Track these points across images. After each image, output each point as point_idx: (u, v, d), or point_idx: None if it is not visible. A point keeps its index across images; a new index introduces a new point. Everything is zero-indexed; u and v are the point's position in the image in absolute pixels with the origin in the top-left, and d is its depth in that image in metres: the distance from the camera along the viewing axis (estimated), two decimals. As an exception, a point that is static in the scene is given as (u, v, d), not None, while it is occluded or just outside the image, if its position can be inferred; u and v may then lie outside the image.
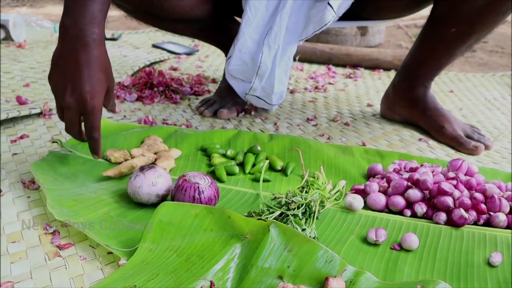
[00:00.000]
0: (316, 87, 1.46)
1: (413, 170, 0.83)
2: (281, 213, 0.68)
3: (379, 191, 0.79)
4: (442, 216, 0.72)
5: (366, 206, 0.77)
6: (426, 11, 1.09)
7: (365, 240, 0.68)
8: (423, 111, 1.10)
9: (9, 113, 1.06)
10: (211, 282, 0.55)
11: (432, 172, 0.80)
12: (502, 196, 0.74)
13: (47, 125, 1.08)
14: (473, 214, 0.72)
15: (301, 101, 1.34)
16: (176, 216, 0.65)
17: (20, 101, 1.18)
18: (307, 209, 0.69)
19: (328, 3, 0.95)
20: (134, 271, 0.58)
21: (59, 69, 0.73)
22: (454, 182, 0.75)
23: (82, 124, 0.78)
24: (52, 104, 1.16)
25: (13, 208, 0.75)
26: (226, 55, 1.24)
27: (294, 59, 1.73)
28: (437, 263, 0.64)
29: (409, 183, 0.77)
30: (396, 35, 2.41)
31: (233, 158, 0.90)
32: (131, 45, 1.89)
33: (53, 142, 0.90)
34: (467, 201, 0.72)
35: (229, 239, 0.61)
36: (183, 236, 0.63)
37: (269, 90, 1.09)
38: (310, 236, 0.65)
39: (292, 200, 0.69)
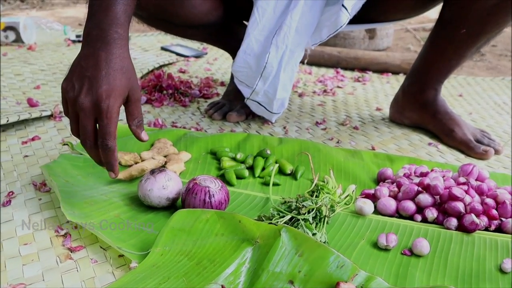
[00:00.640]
0: (325, 91, 1.46)
1: (423, 175, 0.82)
2: (292, 218, 0.68)
3: (389, 195, 0.78)
4: (453, 222, 0.72)
5: (376, 211, 0.77)
6: (434, 14, 1.08)
7: (375, 245, 0.68)
8: (433, 114, 1.10)
9: (20, 115, 1.07)
10: (222, 286, 0.55)
11: (443, 177, 0.80)
12: (514, 202, 0.73)
13: (58, 127, 1.09)
14: (484, 220, 0.71)
15: (310, 104, 1.34)
16: (187, 222, 0.65)
17: (31, 103, 1.19)
18: (318, 213, 0.69)
19: (343, 5, 0.94)
20: (145, 274, 0.58)
21: (77, 71, 0.68)
22: (465, 187, 0.75)
23: None
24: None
25: (24, 210, 0.76)
26: (233, 58, 1.25)
27: (302, 63, 1.73)
28: (448, 269, 0.63)
29: (420, 188, 0.77)
30: (404, 39, 2.41)
31: (242, 162, 0.90)
32: (140, 47, 1.90)
33: (64, 144, 0.91)
34: (478, 207, 0.72)
35: (240, 243, 0.61)
36: (194, 241, 0.63)
37: (271, 95, 1.07)
38: (320, 241, 0.65)
39: (303, 205, 0.69)
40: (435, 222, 0.73)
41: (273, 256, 0.58)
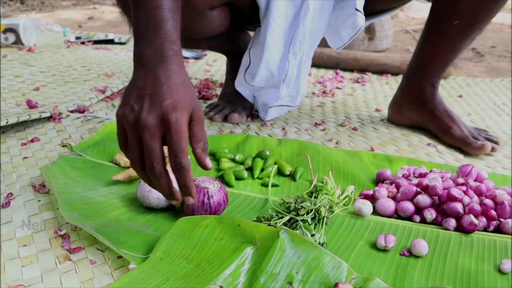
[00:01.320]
0: (324, 92, 1.46)
1: (422, 175, 0.82)
2: (290, 218, 0.68)
3: (388, 196, 0.78)
4: (452, 222, 0.72)
5: (375, 212, 0.77)
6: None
7: (374, 246, 0.68)
8: (432, 112, 1.10)
9: (20, 116, 1.07)
10: (221, 287, 0.56)
11: (442, 178, 0.80)
12: (512, 203, 0.73)
13: (57, 128, 1.09)
14: (483, 221, 0.71)
15: (309, 105, 1.34)
16: (187, 228, 0.65)
17: (31, 105, 1.19)
18: (316, 214, 0.69)
19: (356, 9, 0.97)
20: (144, 276, 0.58)
21: (134, 92, 0.61)
22: (464, 188, 0.75)
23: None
24: (62, 108, 1.17)
25: (24, 211, 0.76)
26: (230, 61, 1.25)
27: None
28: (446, 270, 0.63)
29: (418, 189, 0.77)
30: (403, 40, 2.41)
31: (241, 163, 0.90)
32: (140, 49, 1.90)
33: (63, 146, 0.91)
34: (477, 207, 0.72)
35: (239, 245, 0.61)
36: (193, 245, 0.63)
37: (295, 93, 1.11)
38: (319, 242, 0.66)
39: (302, 206, 0.69)
40: (434, 222, 0.73)
41: (272, 258, 0.58)
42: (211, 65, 1.74)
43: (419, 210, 0.75)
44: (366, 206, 0.75)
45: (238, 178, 0.86)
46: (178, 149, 0.58)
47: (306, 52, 1.06)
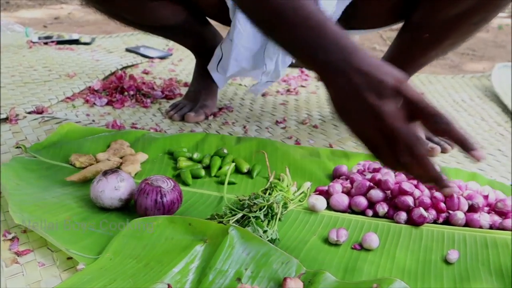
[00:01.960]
0: (288, 90, 1.47)
1: (376, 170, 0.84)
2: (243, 215, 0.68)
3: (343, 191, 0.79)
4: (403, 216, 0.73)
5: (330, 207, 0.78)
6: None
7: (326, 241, 0.69)
8: None
9: (-27, 118, 1.04)
10: (168, 285, 0.55)
11: (395, 172, 0.81)
12: (461, 195, 0.75)
13: (13, 130, 1.06)
14: (432, 213, 0.73)
15: (272, 103, 1.35)
16: (139, 228, 0.65)
17: (-14, 107, 1.16)
18: (269, 210, 0.70)
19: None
20: (92, 276, 0.58)
21: (350, 90, 0.58)
22: (415, 181, 0.77)
23: None
24: (19, 110, 1.15)
25: (-28, 215, 0.74)
26: (196, 57, 1.25)
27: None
28: (396, 262, 0.65)
29: (371, 184, 0.78)
30: (370, 39, 2.44)
31: (199, 161, 0.90)
32: (105, 49, 1.88)
33: (17, 147, 0.89)
34: (427, 200, 0.74)
35: (189, 243, 0.61)
36: (144, 246, 0.63)
37: (276, 75, 1.12)
38: (271, 238, 0.66)
39: (254, 202, 0.70)
40: (386, 216, 0.75)
41: (221, 255, 0.58)
42: (176, 65, 1.73)
43: (372, 204, 0.76)
44: (319, 202, 0.76)
45: (195, 176, 0.86)
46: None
47: (282, 52, 1.06)
